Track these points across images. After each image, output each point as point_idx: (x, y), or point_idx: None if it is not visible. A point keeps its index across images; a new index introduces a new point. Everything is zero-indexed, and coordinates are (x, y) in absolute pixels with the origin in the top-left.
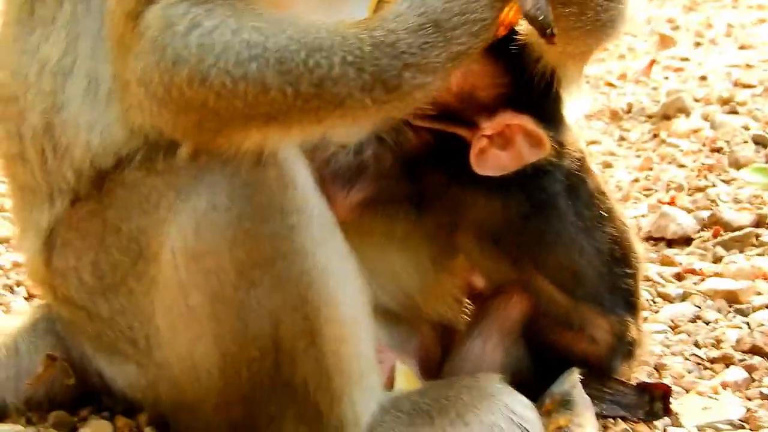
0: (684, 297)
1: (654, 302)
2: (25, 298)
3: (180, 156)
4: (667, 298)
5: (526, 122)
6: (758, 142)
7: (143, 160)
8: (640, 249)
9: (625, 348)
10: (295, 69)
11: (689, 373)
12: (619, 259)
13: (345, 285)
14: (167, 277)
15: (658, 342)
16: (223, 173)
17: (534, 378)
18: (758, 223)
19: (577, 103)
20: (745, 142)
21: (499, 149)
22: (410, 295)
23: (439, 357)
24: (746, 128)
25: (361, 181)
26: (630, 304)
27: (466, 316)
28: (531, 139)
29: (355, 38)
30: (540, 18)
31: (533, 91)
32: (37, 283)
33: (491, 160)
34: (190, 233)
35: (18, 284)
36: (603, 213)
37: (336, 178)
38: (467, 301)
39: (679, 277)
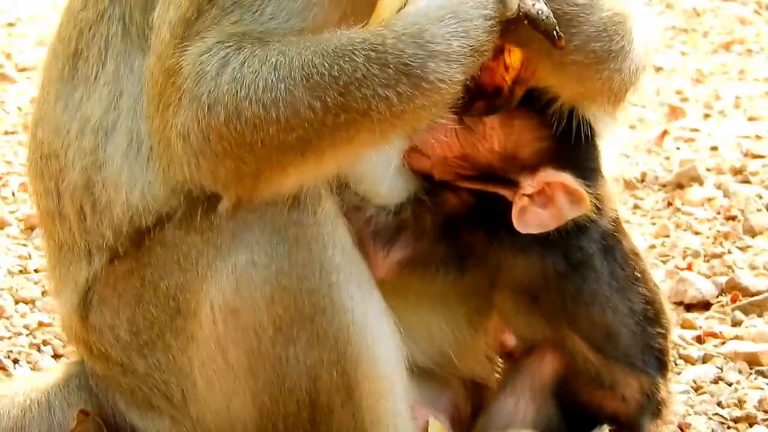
0: (705, 359)
1: (676, 364)
2: (53, 357)
3: (220, 210)
4: (688, 360)
5: (567, 180)
6: None
7: (182, 218)
8: (670, 310)
9: (654, 407)
10: (321, 80)
11: None
12: (651, 320)
13: (382, 342)
14: (205, 333)
15: (682, 402)
16: (262, 231)
17: None
18: None
19: (611, 157)
20: (759, 210)
21: (540, 207)
22: (444, 352)
23: (470, 414)
24: (759, 197)
25: (401, 241)
26: (661, 364)
27: (497, 374)
28: (571, 196)
29: (376, 35)
30: (543, 18)
31: (572, 145)
32: (72, 339)
33: (532, 218)
34: (229, 290)
35: (45, 343)
36: (637, 274)
37: (375, 238)
38: (499, 359)
39: (699, 339)
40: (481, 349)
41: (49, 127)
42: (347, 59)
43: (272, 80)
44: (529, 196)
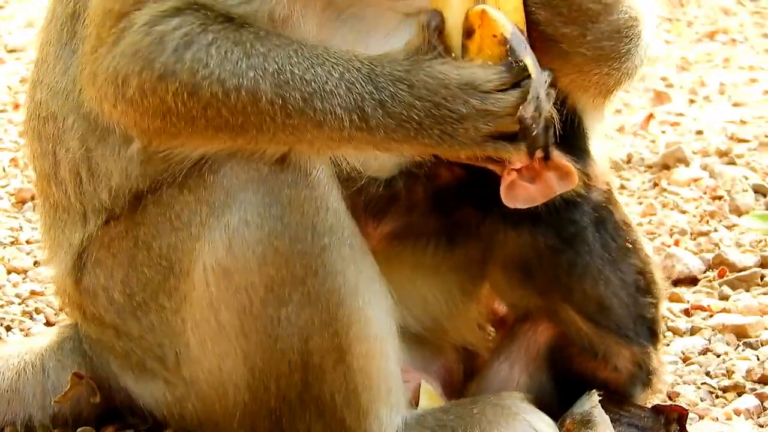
0: (693, 331)
1: (664, 336)
2: (45, 324)
3: (132, 150)
4: (677, 332)
5: (555, 155)
6: (758, 191)
7: (177, 177)
8: (661, 280)
9: (645, 377)
10: (292, 79)
11: (702, 401)
12: (643, 290)
13: (374, 304)
14: (198, 293)
15: (671, 372)
16: (255, 191)
17: (555, 401)
18: (763, 264)
19: (601, 141)
20: (745, 190)
21: (529, 182)
22: (437, 319)
23: (462, 379)
24: (745, 178)
25: (392, 213)
26: (652, 334)
27: (489, 342)
28: (559, 171)
29: (358, 60)
30: (532, 134)
31: (560, 123)
32: (66, 302)
33: (521, 193)
34: (222, 249)
35: (37, 311)
36: (628, 244)
37: (367, 208)
38: (490, 327)
39: (687, 313)
40: (473, 317)
41: (48, 89)
42: (324, 68)
43: (242, 66)
44: (518, 170)
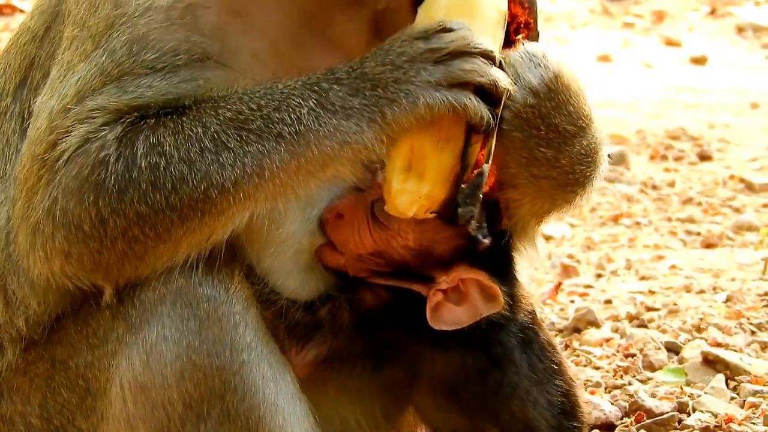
0: None
1: None
2: None
3: (105, 301)
4: None
5: (481, 277)
6: (670, 348)
7: (93, 295)
8: (585, 403)
9: None
10: (251, 114)
11: None
12: (568, 412)
13: (294, 422)
14: (115, 412)
15: None
16: (173, 305)
17: None
18: (680, 410)
19: (529, 262)
20: (658, 348)
21: (455, 304)
22: None
23: None
24: (655, 339)
25: (316, 339)
26: None
27: None
28: (486, 293)
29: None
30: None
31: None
32: None
33: (447, 315)
34: (139, 365)
35: None
36: (554, 365)
37: (290, 333)
38: None
39: None
40: None
41: None
42: (276, 86)
43: (197, 129)
44: (444, 291)
